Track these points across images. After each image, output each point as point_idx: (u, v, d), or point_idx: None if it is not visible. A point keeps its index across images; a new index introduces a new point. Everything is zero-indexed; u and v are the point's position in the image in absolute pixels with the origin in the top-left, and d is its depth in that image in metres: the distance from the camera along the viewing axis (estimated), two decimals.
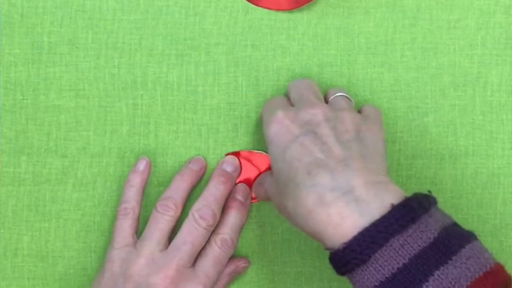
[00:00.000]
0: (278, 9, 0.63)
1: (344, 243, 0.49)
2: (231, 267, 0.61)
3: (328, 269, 0.63)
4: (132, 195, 0.60)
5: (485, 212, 0.64)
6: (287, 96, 0.61)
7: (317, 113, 0.55)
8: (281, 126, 0.55)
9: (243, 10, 0.64)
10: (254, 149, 0.63)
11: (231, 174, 0.61)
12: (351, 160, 0.52)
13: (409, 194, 0.51)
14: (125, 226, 0.59)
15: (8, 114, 0.63)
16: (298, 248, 0.63)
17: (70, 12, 0.63)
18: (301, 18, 0.64)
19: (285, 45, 0.64)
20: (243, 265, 0.62)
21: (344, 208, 0.50)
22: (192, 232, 0.58)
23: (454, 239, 0.49)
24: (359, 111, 0.60)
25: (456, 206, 0.64)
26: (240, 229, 0.61)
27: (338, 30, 0.64)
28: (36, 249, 0.63)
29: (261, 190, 0.60)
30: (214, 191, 0.59)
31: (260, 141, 0.63)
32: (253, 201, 0.62)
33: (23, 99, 0.63)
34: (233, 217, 0.60)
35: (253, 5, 0.63)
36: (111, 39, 0.63)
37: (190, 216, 0.58)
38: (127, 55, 0.63)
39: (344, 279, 0.62)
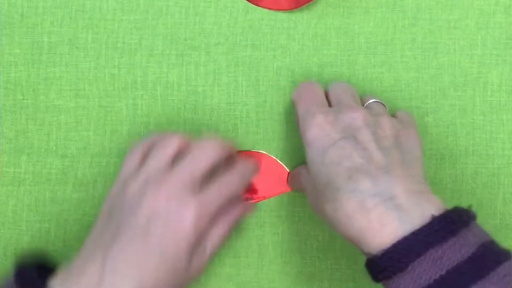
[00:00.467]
0: (278, 9, 0.63)
1: (383, 250, 0.49)
2: (241, 206, 0.59)
3: (328, 269, 0.63)
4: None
5: (485, 212, 0.64)
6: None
7: (357, 117, 0.55)
8: (320, 130, 0.55)
9: (243, 10, 0.64)
10: (253, 149, 0.63)
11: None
12: (391, 166, 0.52)
13: (448, 206, 0.52)
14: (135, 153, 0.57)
15: (8, 114, 0.63)
16: (298, 248, 0.63)
17: (70, 12, 0.63)
18: (301, 18, 0.64)
19: (285, 45, 0.64)
20: (251, 207, 0.61)
21: (385, 215, 0.50)
22: (196, 153, 0.55)
23: (491, 256, 0.49)
24: (393, 117, 0.60)
25: None
26: (252, 174, 0.59)
27: (338, 30, 0.64)
28: (36, 249, 0.63)
29: (296, 183, 0.60)
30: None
31: (260, 141, 0.63)
32: (286, 190, 0.62)
33: (23, 99, 0.63)
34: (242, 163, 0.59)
35: (253, 5, 0.63)
36: (111, 39, 0.63)
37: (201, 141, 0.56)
38: (127, 55, 0.63)
39: (344, 279, 0.62)
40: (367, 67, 0.64)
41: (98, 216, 0.56)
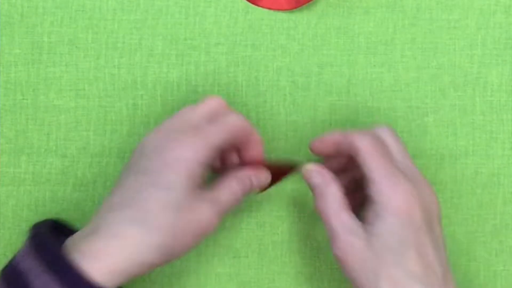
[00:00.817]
0: (278, 9, 0.63)
1: None
2: (253, 174, 0.57)
3: (328, 269, 0.63)
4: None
5: (485, 212, 0.64)
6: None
7: (435, 201, 0.54)
8: (408, 203, 0.53)
9: (243, 10, 0.64)
10: None
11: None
12: (447, 275, 0.53)
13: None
14: None
15: (8, 114, 0.63)
16: (298, 248, 0.63)
17: (70, 12, 0.63)
18: (301, 18, 0.64)
19: (285, 45, 0.64)
20: (263, 178, 0.58)
21: None
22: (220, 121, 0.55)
23: None
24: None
25: (456, 206, 0.64)
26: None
27: (338, 30, 0.64)
28: None
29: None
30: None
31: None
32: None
33: (23, 99, 0.63)
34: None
35: (253, 5, 0.63)
36: (111, 39, 0.63)
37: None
38: (127, 55, 0.63)
39: (344, 279, 0.62)
40: (367, 67, 0.64)
41: (123, 168, 0.56)
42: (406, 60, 0.64)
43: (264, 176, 0.58)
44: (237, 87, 0.64)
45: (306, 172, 0.57)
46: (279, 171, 0.60)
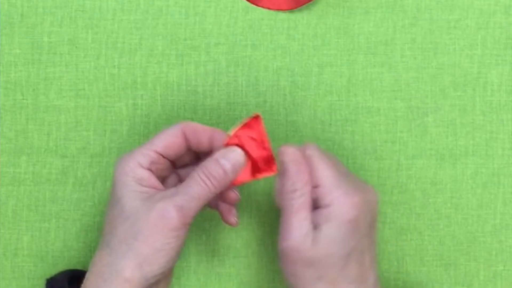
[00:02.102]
0: (278, 9, 0.63)
1: None
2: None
3: None
4: None
5: (485, 212, 0.64)
6: None
7: (377, 207, 0.56)
8: (358, 212, 0.54)
9: (243, 10, 0.64)
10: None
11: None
12: (376, 278, 0.56)
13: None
14: None
15: (8, 114, 0.63)
16: None
17: (70, 12, 0.63)
18: (301, 18, 0.64)
19: (285, 45, 0.64)
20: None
21: None
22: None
23: None
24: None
25: (456, 206, 0.64)
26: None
27: (338, 30, 0.64)
28: (36, 249, 0.63)
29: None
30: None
31: None
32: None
33: (23, 99, 0.63)
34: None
35: (253, 5, 0.63)
36: (111, 39, 0.63)
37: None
38: (127, 55, 0.63)
39: None
40: (367, 67, 0.64)
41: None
42: (406, 60, 0.64)
43: (233, 153, 0.55)
44: (237, 87, 0.64)
45: (283, 151, 0.56)
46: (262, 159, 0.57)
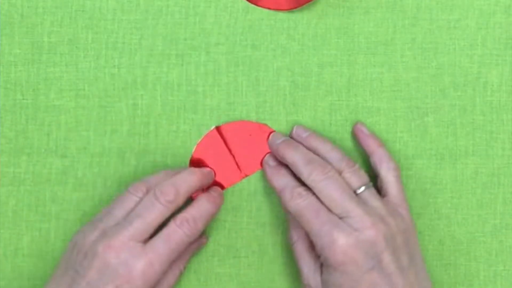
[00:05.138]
0: (278, 9, 0.63)
1: None
2: (195, 243, 0.61)
3: None
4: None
5: (485, 212, 0.64)
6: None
7: (377, 235, 0.56)
8: (346, 256, 0.55)
9: (243, 10, 0.64)
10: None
11: (209, 173, 0.61)
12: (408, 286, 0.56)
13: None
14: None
15: (8, 114, 0.63)
16: None
17: (70, 12, 0.63)
18: (301, 18, 0.64)
19: (285, 45, 0.64)
20: (204, 240, 0.62)
21: None
22: (147, 206, 0.56)
23: None
24: (379, 189, 0.61)
25: (456, 206, 0.64)
26: (209, 216, 0.59)
27: (338, 30, 0.64)
28: (36, 249, 0.63)
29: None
30: (185, 176, 0.58)
31: None
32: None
33: (23, 99, 0.63)
34: (202, 201, 0.59)
35: (253, 5, 0.63)
36: (111, 39, 0.63)
37: (150, 192, 0.57)
38: (127, 55, 0.63)
39: None
40: (367, 67, 0.64)
41: (60, 260, 0.58)
42: (406, 60, 0.64)
43: (204, 242, 0.62)
44: (237, 87, 0.64)
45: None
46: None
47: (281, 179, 0.60)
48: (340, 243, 0.55)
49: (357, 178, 0.58)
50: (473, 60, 0.64)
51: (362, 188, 0.58)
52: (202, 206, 0.58)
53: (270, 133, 0.63)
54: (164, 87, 0.63)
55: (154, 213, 0.56)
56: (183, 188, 0.57)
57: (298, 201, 0.57)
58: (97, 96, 0.63)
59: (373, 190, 0.59)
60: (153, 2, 0.63)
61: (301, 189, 0.58)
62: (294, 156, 0.59)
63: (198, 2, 0.63)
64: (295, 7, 0.63)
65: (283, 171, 0.60)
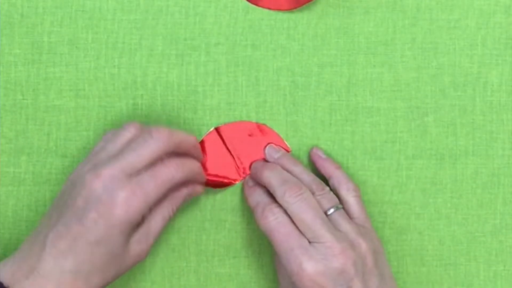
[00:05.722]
0: (278, 9, 0.63)
1: None
2: (188, 189, 0.60)
3: None
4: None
5: (485, 212, 0.64)
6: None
7: (346, 263, 0.56)
8: (314, 284, 0.55)
9: (243, 10, 0.64)
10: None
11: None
12: None
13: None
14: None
15: (8, 114, 0.63)
16: None
17: (70, 12, 0.63)
18: (301, 18, 0.64)
19: (285, 45, 0.64)
20: (199, 189, 0.61)
21: None
22: (140, 142, 0.56)
23: None
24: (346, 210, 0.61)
25: (456, 206, 0.64)
26: (196, 164, 0.59)
27: (338, 30, 0.64)
28: None
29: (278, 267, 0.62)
30: (181, 132, 0.59)
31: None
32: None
33: (23, 99, 0.63)
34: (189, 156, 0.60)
35: (253, 5, 0.63)
36: (111, 39, 0.63)
37: (145, 130, 0.57)
38: (127, 55, 0.63)
39: None
40: (367, 67, 0.64)
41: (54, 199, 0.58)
42: (406, 60, 0.64)
43: (199, 191, 0.61)
44: (237, 87, 0.64)
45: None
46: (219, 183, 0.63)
47: (256, 196, 0.60)
48: (308, 271, 0.55)
49: (327, 201, 0.59)
50: (473, 60, 0.64)
51: (332, 210, 0.58)
52: (190, 157, 0.59)
53: (270, 133, 0.63)
54: (164, 87, 0.63)
55: (146, 149, 0.56)
56: (178, 136, 0.57)
57: (270, 219, 0.57)
58: (97, 96, 0.63)
59: (342, 212, 0.59)
60: (153, 2, 0.63)
61: (273, 206, 0.58)
62: (269, 177, 0.59)
63: (198, 2, 0.63)
64: (295, 7, 0.63)
65: (259, 190, 0.61)
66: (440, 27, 0.64)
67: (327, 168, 0.62)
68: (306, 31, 0.64)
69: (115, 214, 0.54)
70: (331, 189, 0.61)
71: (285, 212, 0.58)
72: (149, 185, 0.55)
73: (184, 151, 0.58)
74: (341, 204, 0.60)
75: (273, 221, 0.57)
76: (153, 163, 0.56)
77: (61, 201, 0.56)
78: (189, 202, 0.63)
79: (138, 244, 0.56)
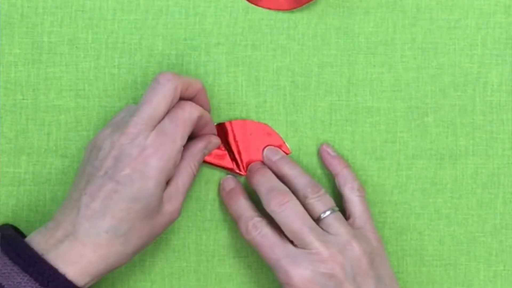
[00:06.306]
0: (278, 9, 0.63)
1: None
2: (203, 142, 0.60)
3: None
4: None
5: (485, 212, 0.64)
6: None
7: (335, 268, 0.56)
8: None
9: (243, 10, 0.64)
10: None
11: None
12: None
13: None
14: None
15: (8, 114, 0.63)
16: None
17: (70, 12, 0.63)
18: (301, 18, 0.64)
19: (285, 45, 0.64)
20: (215, 140, 0.61)
21: None
22: (150, 91, 0.56)
23: None
24: (346, 214, 0.60)
25: (456, 206, 0.64)
26: (206, 111, 0.59)
27: (338, 30, 0.64)
28: None
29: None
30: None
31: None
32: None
33: (23, 99, 0.63)
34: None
35: (253, 5, 0.63)
36: (111, 39, 0.63)
37: (153, 79, 0.58)
38: (127, 55, 0.63)
39: None
40: (367, 67, 0.64)
41: (77, 168, 0.58)
42: (406, 60, 0.64)
43: (215, 141, 0.62)
44: (237, 87, 0.64)
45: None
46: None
47: (237, 206, 0.60)
48: (295, 279, 0.56)
49: (322, 204, 0.59)
50: (473, 60, 0.64)
51: (327, 213, 0.58)
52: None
53: (270, 133, 0.63)
54: None
55: (158, 96, 0.56)
56: (184, 77, 0.58)
57: (253, 234, 0.58)
58: (97, 96, 0.63)
59: (338, 214, 0.59)
60: (153, 2, 0.63)
61: (256, 220, 0.59)
62: (258, 184, 0.60)
63: (198, 2, 0.63)
64: (295, 7, 0.63)
65: (240, 197, 0.61)
66: (440, 27, 0.64)
67: (335, 166, 0.62)
68: (306, 31, 0.64)
69: (149, 165, 0.54)
70: (336, 187, 0.61)
71: (269, 221, 0.58)
72: (172, 129, 0.56)
73: (192, 95, 0.59)
74: (344, 203, 0.60)
75: (257, 236, 0.58)
76: (169, 109, 0.57)
77: (87, 167, 0.56)
78: (189, 202, 0.63)
79: (169, 202, 0.56)
